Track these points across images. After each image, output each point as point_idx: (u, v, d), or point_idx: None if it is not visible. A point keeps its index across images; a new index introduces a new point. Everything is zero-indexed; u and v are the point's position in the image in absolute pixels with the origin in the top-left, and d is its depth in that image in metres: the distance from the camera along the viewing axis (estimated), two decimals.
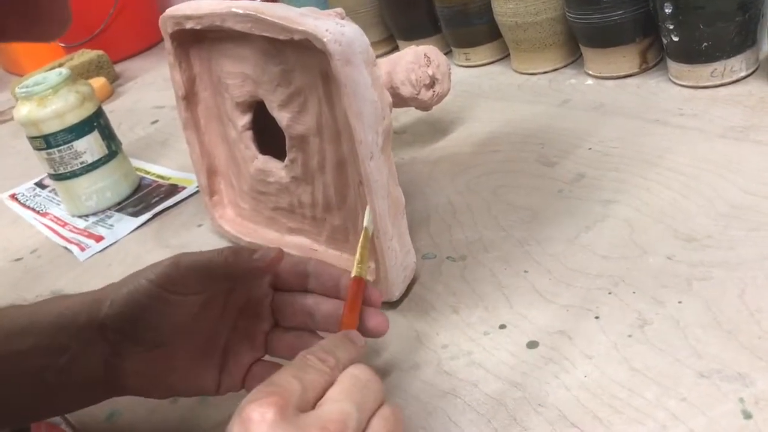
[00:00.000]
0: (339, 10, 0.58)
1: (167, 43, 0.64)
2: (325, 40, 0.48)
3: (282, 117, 0.59)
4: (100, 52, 1.39)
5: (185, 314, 0.45)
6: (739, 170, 0.58)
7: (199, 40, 0.63)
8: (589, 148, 0.67)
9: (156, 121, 1.12)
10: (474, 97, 0.85)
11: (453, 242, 0.61)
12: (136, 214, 0.84)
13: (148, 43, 1.57)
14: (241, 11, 0.53)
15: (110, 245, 0.80)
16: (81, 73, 1.33)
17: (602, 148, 0.67)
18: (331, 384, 0.36)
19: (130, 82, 1.39)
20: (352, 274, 0.46)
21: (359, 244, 0.48)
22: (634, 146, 0.65)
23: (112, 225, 0.83)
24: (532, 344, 0.48)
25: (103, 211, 0.87)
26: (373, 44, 1.04)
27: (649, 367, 0.43)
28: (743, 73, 0.69)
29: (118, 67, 1.46)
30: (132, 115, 1.18)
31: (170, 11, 0.62)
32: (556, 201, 0.62)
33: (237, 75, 0.62)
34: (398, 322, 0.54)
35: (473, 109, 0.82)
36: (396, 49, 1.06)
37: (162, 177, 0.91)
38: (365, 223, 0.49)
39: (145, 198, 0.87)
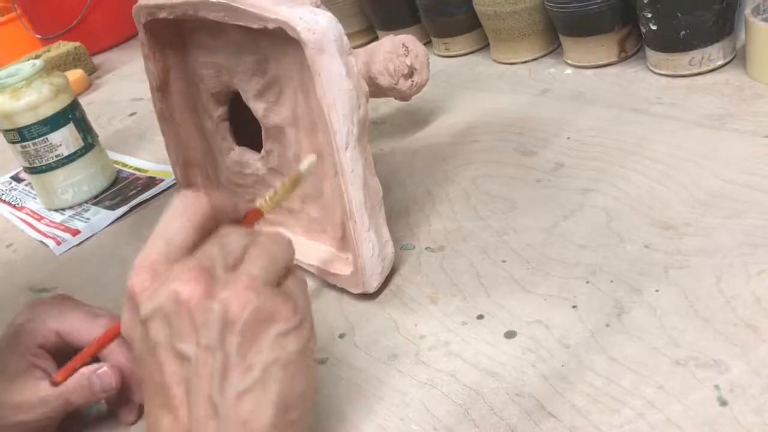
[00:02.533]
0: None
1: (141, 34, 0.63)
2: (298, 28, 0.47)
3: (258, 107, 0.58)
4: (77, 44, 1.38)
5: None
6: (717, 158, 0.58)
7: (173, 30, 0.62)
8: (568, 138, 0.67)
9: (134, 114, 1.11)
10: (453, 87, 0.85)
11: (432, 232, 0.61)
12: (112, 207, 0.83)
13: (126, 35, 1.55)
14: (213, 0, 0.53)
15: (87, 239, 0.79)
16: (58, 66, 1.32)
17: (581, 137, 0.67)
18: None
19: (108, 74, 1.37)
20: (257, 203, 0.44)
21: (282, 183, 0.45)
22: (613, 135, 0.65)
23: (88, 219, 0.82)
24: (510, 334, 0.48)
25: (79, 205, 0.86)
26: (352, 34, 1.05)
27: (626, 356, 0.43)
28: (721, 62, 0.69)
29: (96, 59, 1.44)
30: (110, 108, 1.17)
31: (143, 1, 0.61)
32: (535, 190, 0.62)
33: (212, 65, 0.61)
34: (376, 313, 0.54)
35: (452, 99, 0.82)
36: (375, 39, 1.05)
37: (139, 169, 0.90)
38: (301, 168, 0.46)
39: (122, 191, 0.86)
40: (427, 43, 0.97)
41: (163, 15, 0.59)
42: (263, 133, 0.59)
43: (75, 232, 0.80)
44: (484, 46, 0.91)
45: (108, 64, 1.42)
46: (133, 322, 0.36)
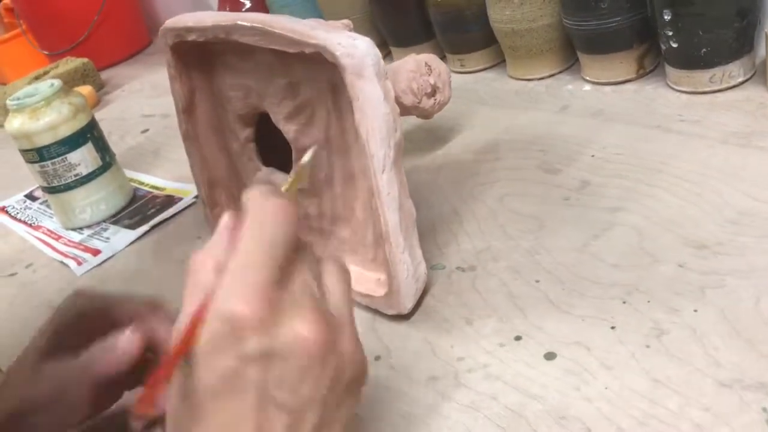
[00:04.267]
0: (346, 21, 0.58)
1: (168, 56, 0.64)
2: (337, 53, 0.47)
3: (288, 129, 0.58)
4: (85, 59, 1.38)
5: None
6: (744, 176, 0.58)
7: (200, 51, 0.62)
8: (592, 155, 0.68)
9: (146, 130, 1.11)
10: (471, 104, 0.85)
11: (461, 252, 0.61)
12: (132, 227, 0.83)
13: (134, 49, 1.55)
14: (248, 24, 0.53)
15: (107, 259, 0.79)
16: (66, 82, 1.31)
17: (605, 154, 0.67)
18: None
19: (116, 90, 1.37)
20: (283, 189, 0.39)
21: (290, 178, 0.41)
22: (637, 153, 0.66)
23: (108, 238, 0.82)
24: (550, 356, 0.48)
25: (97, 224, 0.86)
26: None
27: (669, 377, 0.44)
28: (741, 79, 0.70)
29: (104, 75, 1.44)
30: (121, 124, 1.17)
31: (171, 23, 0.61)
32: (562, 209, 0.62)
33: (240, 87, 0.61)
34: (411, 335, 0.54)
35: (471, 116, 0.82)
36: (389, 55, 1.05)
37: (157, 188, 0.90)
38: (304, 160, 0.41)
39: (140, 210, 0.86)
40: (442, 59, 0.97)
41: (192, 38, 0.59)
42: (293, 154, 0.59)
43: (95, 252, 0.80)
44: (499, 62, 0.92)
45: (116, 80, 1.43)
46: (228, 352, 0.30)
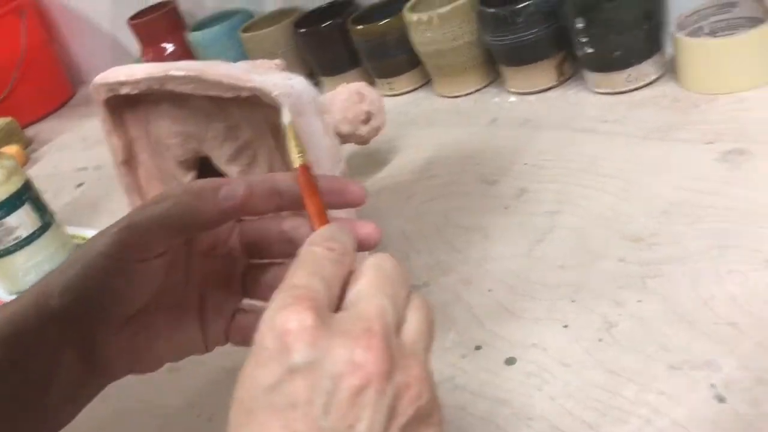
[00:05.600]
0: (278, 61, 0.59)
1: (101, 111, 0.64)
2: (274, 94, 0.49)
3: (231, 171, 0.59)
4: (8, 118, 1.35)
5: (152, 279, 0.39)
6: (669, 168, 0.62)
7: (133, 103, 0.63)
8: (525, 163, 0.71)
9: (81, 184, 1.10)
10: (404, 125, 0.88)
11: (413, 270, 0.63)
12: None
13: (57, 102, 1.53)
14: (181, 74, 0.54)
15: None
16: None
17: (537, 161, 0.70)
18: (349, 274, 0.32)
19: (44, 146, 1.35)
20: (296, 165, 0.39)
21: (289, 138, 0.40)
22: (567, 157, 0.69)
23: None
24: (510, 360, 0.50)
25: None
26: None
27: (623, 368, 0.46)
28: (654, 76, 0.74)
29: (29, 132, 1.42)
30: (54, 181, 1.15)
31: (102, 78, 0.62)
32: (504, 218, 0.65)
33: (178, 134, 0.62)
34: None
35: (406, 137, 0.85)
36: (318, 84, 1.07)
37: None
38: (287, 120, 0.40)
39: None
40: (371, 83, 0.99)
41: (125, 91, 0.60)
42: None
43: None
44: (427, 82, 0.94)
45: (42, 136, 1.40)
46: (272, 363, 0.28)
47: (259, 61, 0.62)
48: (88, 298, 0.38)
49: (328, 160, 0.50)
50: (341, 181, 0.40)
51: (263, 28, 1.05)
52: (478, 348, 0.52)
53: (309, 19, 1.01)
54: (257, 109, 0.52)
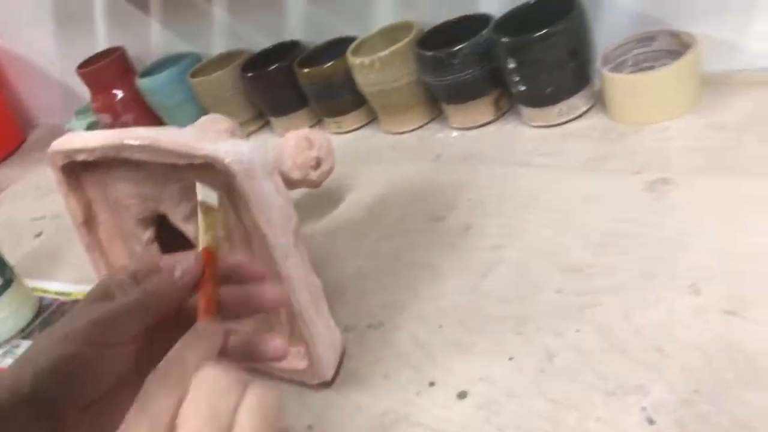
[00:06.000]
0: (228, 125, 0.62)
1: (58, 176, 0.66)
2: (226, 161, 0.52)
3: (188, 229, 0.62)
4: None
5: (120, 362, 0.41)
6: (600, 200, 0.66)
7: (90, 167, 0.65)
8: (469, 199, 0.75)
9: (40, 234, 1.11)
10: (353, 163, 0.91)
11: (369, 309, 0.66)
12: None
13: (8, 150, 1.53)
14: (136, 143, 0.56)
15: None
16: None
17: (480, 197, 0.74)
18: (183, 398, 0.34)
19: None
20: (199, 247, 0.41)
21: (199, 217, 0.43)
22: (507, 191, 0.73)
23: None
24: (462, 395, 0.54)
25: (7, 342, 0.86)
26: (244, 123, 1.09)
27: (564, 396, 0.50)
28: (584, 109, 0.79)
29: None
30: (11, 232, 1.16)
31: (58, 145, 0.64)
32: (452, 254, 0.68)
33: (136, 195, 0.65)
34: (338, 400, 0.58)
35: (356, 176, 0.88)
36: (267, 124, 1.10)
37: (63, 293, 0.91)
38: (200, 198, 0.43)
39: (50, 319, 0.87)
40: (319, 122, 1.03)
41: (81, 158, 0.62)
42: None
43: None
44: (373, 119, 0.98)
45: None
46: None
47: (209, 121, 0.65)
48: (58, 384, 0.40)
49: (280, 218, 0.53)
50: (244, 268, 0.43)
51: (211, 71, 1.08)
52: (431, 384, 0.56)
53: (256, 62, 1.04)
54: (210, 171, 0.55)
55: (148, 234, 0.67)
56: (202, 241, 0.41)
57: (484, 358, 0.56)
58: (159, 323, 0.43)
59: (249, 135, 1.10)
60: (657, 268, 0.57)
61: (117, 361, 0.41)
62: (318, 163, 0.76)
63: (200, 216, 0.43)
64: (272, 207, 0.53)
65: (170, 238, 0.67)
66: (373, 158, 0.91)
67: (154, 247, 0.68)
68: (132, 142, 0.57)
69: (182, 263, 0.41)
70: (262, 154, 0.54)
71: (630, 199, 0.65)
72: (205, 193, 0.44)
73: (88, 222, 0.68)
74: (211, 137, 0.55)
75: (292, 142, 0.76)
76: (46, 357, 0.40)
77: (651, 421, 0.46)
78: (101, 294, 0.42)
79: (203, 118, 0.65)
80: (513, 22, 0.79)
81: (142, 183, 0.63)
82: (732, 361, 0.47)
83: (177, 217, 0.62)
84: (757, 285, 0.52)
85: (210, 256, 0.41)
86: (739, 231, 0.57)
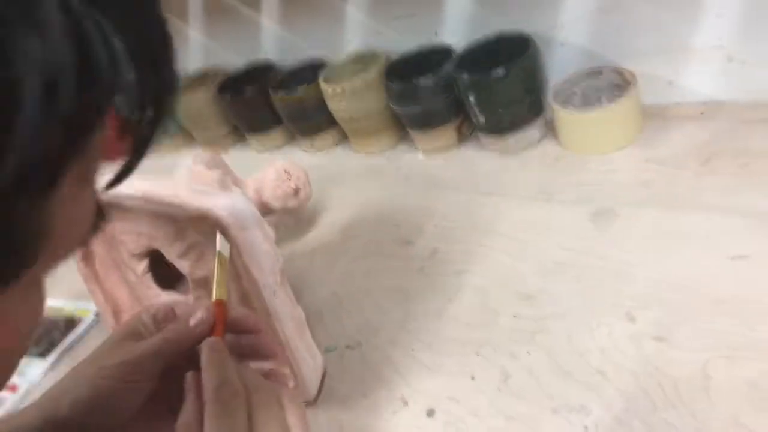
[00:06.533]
0: (217, 176, 0.68)
1: None
2: (220, 215, 0.58)
3: (182, 265, 0.68)
4: None
5: (142, 394, 0.48)
6: (553, 229, 0.74)
7: None
8: (435, 225, 0.82)
9: None
10: (327, 184, 0.98)
11: (346, 330, 0.74)
12: (42, 354, 0.89)
13: None
14: (132, 197, 0.62)
15: (28, 393, 0.85)
16: None
17: (445, 222, 0.82)
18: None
19: None
20: (213, 298, 0.48)
21: (215, 270, 0.49)
22: (469, 218, 0.81)
23: (21, 371, 0.88)
24: (431, 412, 0.62)
25: None
26: (223, 136, 1.15)
27: (518, 414, 0.58)
28: (538, 137, 0.87)
29: None
30: None
31: None
32: (420, 278, 0.76)
33: (131, 232, 0.71)
34: (320, 418, 0.66)
35: (330, 197, 0.95)
36: (243, 139, 1.16)
37: (55, 309, 0.96)
38: (218, 248, 0.50)
39: (45, 336, 0.92)
40: (293, 141, 1.09)
41: None
42: (191, 283, 0.69)
43: (13, 388, 0.86)
44: (345, 139, 1.05)
45: None
46: None
47: (200, 168, 0.71)
48: (92, 413, 0.48)
49: (268, 262, 0.60)
50: (245, 321, 0.50)
51: (188, 91, 1.13)
52: (405, 403, 0.64)
53: (232, 83, 1.10)
54: (204, 218, 0.61)
55: (142, 266, 0.74)
56: (216, 293, 0.48)
57: (450, 378, 0.64)
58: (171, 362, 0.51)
59: (226, 150, 1.16)
60: (599, 295, 0.65)
61: (138, 394, 0.48)
62: (296, 192, 0.83)
63: (216, 267, 0.49)
64: (261, 252, 0.60)
65: (164, 270, 0.74)
66: (346, 179, 0.98)
67: (148, 278, 0.74)
68: (129, 202, 0.63)
69: (197, 315, 0.48)
70: (251, 208, 0.60)
71: (578, 230, 0.73)
72: (223, 245, 0.50)
73: (86, 257, 0.74)
74: (201, 187, 0.61)
75: (272, 175, 0.83)
76: (83, 389, 0.47)
77: None
78: (129, 333, 0.50)
79: (193, 165, 0.71)
80: (473, 56, 0.87)
81: (138, 221, 0.69)
82: (659, 385, 0.55)
83: (172, 255, 0.69)
84: (682, 313, 0.60)
85: (222, 308, 0.48)
86: (672, 262, 0.65)
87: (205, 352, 0.45)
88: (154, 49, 0.27)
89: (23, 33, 0.20)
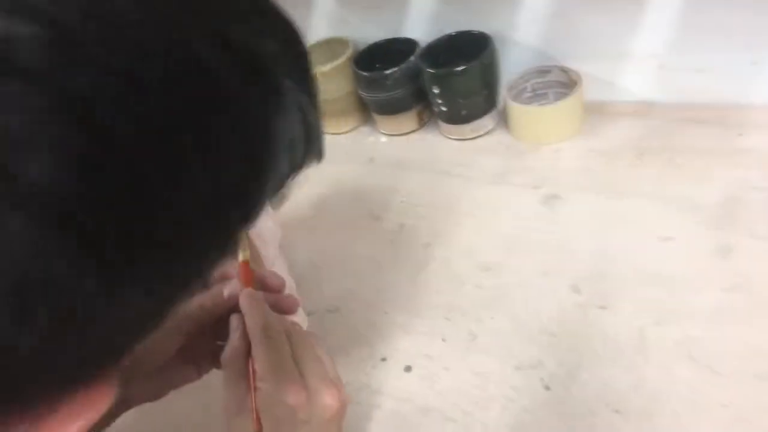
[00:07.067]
0: None
1: None
2: None
3: None
4: None
5: (178, 343, 0.55)
6: (507, 209, 0.85)
7: None
8: (401, 201, 0.91)
9: None
10: None
11: (325, 296, 0.82)
12: None
13: None
14: None
15: None
16: None
17: (410, 200, 0.91)
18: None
19: None
20: (239, 260, 0.55)
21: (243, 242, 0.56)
22: (432, 197, 0.90)
23: None
24: (408, 368, 0.71)
25: None
26: None
27: (486, 369, 0.69)
28: (491, 127, 0.97)
29: None
30: None
31: None
32: (391, 249, 0.85)
33: None
34: None
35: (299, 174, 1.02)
36: None
37: None
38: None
39: None
40: None
41: None
42: None
43: None
44: None
45: None
46: (335, 421, 0.49)
47: None
48: (135, 356, 0.53)
49: (269, 236, 0.68)
50: (268, 281, 0.57)
51: None
52: (383, 360, 0.73)
53: None
54: None
55: None
56: (242, 256, 0.56)
57: (424, 338, 0.74)
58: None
59: None
60: (549, 268, 0.76)
61: (174, 344, 0.56)
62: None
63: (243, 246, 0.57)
64: (264, 228, 0.68)
65: None
66: None
67: None
68: None
69: (228, 287, 0.55)
70: None
71: (529, 210, 0.84)
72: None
73: None
74: None
75: None
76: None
77: (547, 388, 0.65)
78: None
79: None
80: (436, 50, 0.95)
81: None
82: (603, 343, 0.67)
83: None
84: (619, 284, 0.72)
85: (248, 267, 0.56)
86: (609, 241, 0.77)
87: (246, 300, 0.53)
88: (319, 117, 0.32)
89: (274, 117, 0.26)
